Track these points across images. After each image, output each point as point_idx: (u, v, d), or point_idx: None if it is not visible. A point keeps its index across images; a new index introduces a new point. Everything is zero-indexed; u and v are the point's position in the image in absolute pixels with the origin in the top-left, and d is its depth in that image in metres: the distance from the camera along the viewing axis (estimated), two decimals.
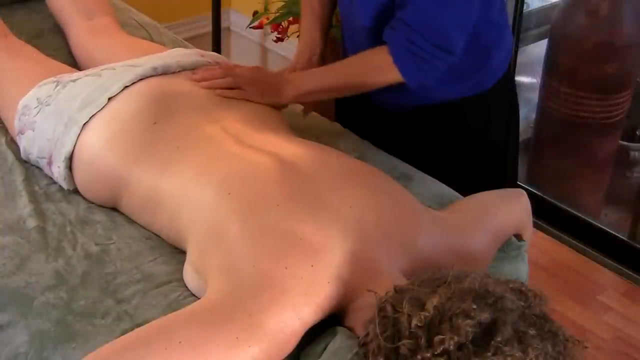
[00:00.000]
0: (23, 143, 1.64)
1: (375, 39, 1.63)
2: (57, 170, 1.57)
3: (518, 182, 2.13)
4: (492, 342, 1.03)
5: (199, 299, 1.28)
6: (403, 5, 1.55)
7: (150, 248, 1.45)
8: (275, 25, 2.93)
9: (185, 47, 2.07)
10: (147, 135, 1.51)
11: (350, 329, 1.24)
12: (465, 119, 1.68)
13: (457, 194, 1.64)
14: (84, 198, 1.58)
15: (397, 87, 1.69)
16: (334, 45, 2.66)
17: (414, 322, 1.06)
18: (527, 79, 3.11)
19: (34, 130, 1.61)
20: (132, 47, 1.91)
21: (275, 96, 1.66)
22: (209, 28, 3.34)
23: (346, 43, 1.80)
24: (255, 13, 3.07)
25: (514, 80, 1.91)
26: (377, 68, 1.62)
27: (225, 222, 1.29)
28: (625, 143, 2.93)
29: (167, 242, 1.46)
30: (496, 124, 1.80)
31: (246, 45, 3.52)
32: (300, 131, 1.66)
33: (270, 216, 1.28)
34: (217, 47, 3.30)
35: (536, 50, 2.99)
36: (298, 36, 1.92)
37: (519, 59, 2.77)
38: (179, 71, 1.68)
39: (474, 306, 1.06)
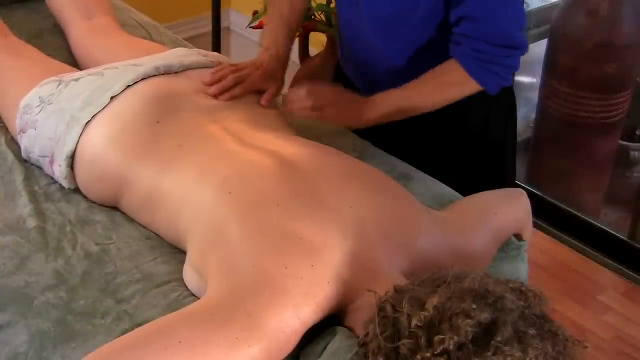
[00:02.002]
0: (24, 142, 1.64)
1: (386, 46, 1.65)
2: (59, 169, 1.57)
3: (518, 182, 2.13)
4: (492, 342, 1.03)
5: (199, 299, 1.28)
6: (460, 21, 1.57)
7: (151, 248, 1.45)
8: None
9: (186, 47, 2.07)
10: (149, 135, 1.51)
11: (350, 329, 1.24)
12: (465, 119, 1.68)
13: (457, 194, 1.64)
14: (84, 198, 1.58)
15: (392, 84, 1.69)
16: (334, 46, 2.66)
17: (414, 322, 1.06)
18: (527, 79, 3.11)
19: (36, 129, 1.61)
20: (133, 47, 1.91)
21: (355, 119, 1.65)
22: (209, 28, 3.34)
23: (350, 53, 1.79)
24: (255, 13, 3.06)
25: (512, 79, 1.92)
26: (454, 84, 1.63)
27: (226, 222, 1.29)
28: (625, 143, 2.93)
29: (167, 242, 1.47)
30: (495, 123, 1.80)
31: (246, 45, 3.52)
32: (300, 131, 1.66)
33: (270, 216, 1.28)
34: (217, 47, 3.30)
35: (536, 50, 2.98)
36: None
37: (519, 59, 2.76)
38: (181, 71, 1.68)
39: (474, 306, 1.06)
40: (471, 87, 1.63)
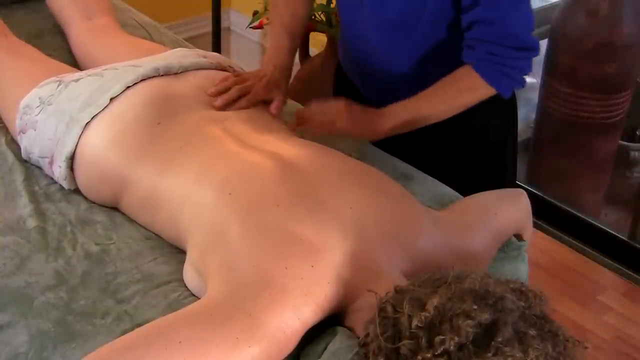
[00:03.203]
0: (24, 142, 1.64)
1: (390, 50, 1.65)
2: (58, 170, 1.57)
3: (518, 182, 2.13)
4: (493, 343, 1.03)
5: (199, 299, 1.28)
6: (471, 26, 1.57)
7: (151, 248, 1.45)
8: None
9: (186, 47, 2.07)
10: (149, 135, 1.51)
11: (351, 329, 1.24)
12: (466, 120, 1.68)
13: (457, 194, 1.64)
14: (84, 198, 1.58)
15: (397, 88, 1.69)
16: (334, 46, 2.66)
17: (415, 322, 1.06)
18: (527, 79, 3.10)
19: (35, 130, 1.61)
20: (133, 47, 1.91)
21: (369, 131, 1.65)
22: (209, 28, 3.34)
23: (353, 55, 1.79)
24: (255, 13, 3.07)
25: None
26: (468, 89, 1.62)
27: (226, 222, 1.29)
28: (625, 143, 2.93)
29: (167, 242, 1.47)
30: (496, 124, 1.80)
31: (246, 45, 3.52)
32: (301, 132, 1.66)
33: (270, 216, 1.28)
34: (217, 47, 3.30)
35: None
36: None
37: None
38: (180, 72, 1.68)
39: (475, 306, 1.06)
40: (485, 91, 1.62)
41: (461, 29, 1.60)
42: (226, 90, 1.63)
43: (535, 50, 1.61)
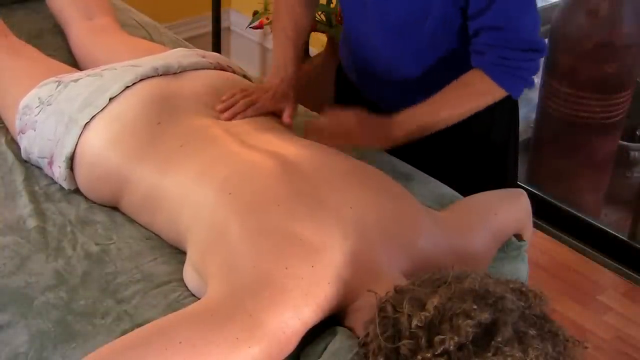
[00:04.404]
0: (24, 143, 1.64)
1: (393, 54, 1.65)
2: (58, 171, 1.57)
3: (518, 182, 2.13)
4: (493, 343, 1.04)
5: (199, 299, 1.28)
6: (479, 32, 1.57)
7: (151, 248, 1.45)
8: None
9: (186, 47, 2.07)
10: (149, 135, 1.51)
11: (351, 329, 1.24)
12: (468, 122, 1.68)
13: (457, 194, 1.64)
14: (84, 198, 1.58)
15: (400, 91, 1.69)
16: (334, 46, 2.66)
17: (415, 322, 1.06)
18: None
19: (35, 130, 1.61)
20: (133, 47, 1.90)
21: (381, 140, 1.64)
22: (209, 28, 3.33)
23: (356, 58, 1.79)
24: (255, 13, 3.07)
25: None
26: (480, 93, 1.62)
27: (226, 222, 1.29)
28: (625, 143, 2.93)
29: (167, 242, 1.47)
30: (498, 124, 1.80)
31: (246, 45, 3.52)
32: (301, 132, 1.66)
33: (270, 216, 1.28)
34: (217, 47, 3.30)
35: None
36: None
37: None
38: (179, 72, 1.68)
39: (475, 306, 1.06)
40: (496, 94, 1.63)
41: (466, 34, 1.59)
42: (234, 104, 1.61)
43: (543, 50, 1.62)
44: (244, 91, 1.65)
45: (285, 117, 1.66)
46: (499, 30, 1.56)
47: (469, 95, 1.63)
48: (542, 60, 1.66)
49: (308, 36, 1.82)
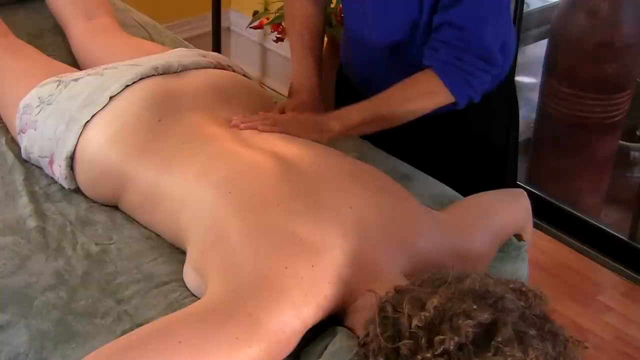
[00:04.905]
0: (24, 142, 1.64)
1: (392, 56, 1.64)
2: (59, 170, 1.57)
3: (518, 182, 2.13)
4: (493, 343, 1.03)
5: (199, 299, 1.28)
6: (441, 27, 1.56)
7: (151, 248, 1.45)
8: (275, 25, 2.93)
9: (186, 47, 2.07)
10: (149, 134, 1.51)
11: (351, 329, 1.24)
12: (468, 120, 1.68)
13: (457, 194, 1.64)
14: (84, 198, 1.58)
15: None
16: (334, 46, 2.66)
17: (415, 322, 1.06)
18: (527, 79, 3.11)
19: (35, 129, 1.61)
20: (133, 47, 1.91)
21: (322, 132, 1.60)
22: (209, 28, 3.33)
23: (355, 59, 1.79)
24: (255, 13, 3.07)
25: (514, 81, 1.92)
26: (426, 93, 1.60)
27: (226, 222, 1.29)
28: (625, 143, 2.93)
29: (167, 241, 1.47)
30: (498, 124, 1.80)
31: (246, 45, 3.52)
32: None
33: (270, 216, 1.28)
34: (217, 47, 3.30)
35: (536, 50, 2.99)
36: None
37: (519, 59, 2.77)
38: (180, 71, 1.68)
39: (475, 306, 1.06)
40: (443, 98, 1.59)
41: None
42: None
43: (497, 67, 1.60)
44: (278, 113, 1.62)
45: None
46: (461, 30, 1.54)
47: (414, 94, 1.61)
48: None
49: (324, 36, 1.81)
